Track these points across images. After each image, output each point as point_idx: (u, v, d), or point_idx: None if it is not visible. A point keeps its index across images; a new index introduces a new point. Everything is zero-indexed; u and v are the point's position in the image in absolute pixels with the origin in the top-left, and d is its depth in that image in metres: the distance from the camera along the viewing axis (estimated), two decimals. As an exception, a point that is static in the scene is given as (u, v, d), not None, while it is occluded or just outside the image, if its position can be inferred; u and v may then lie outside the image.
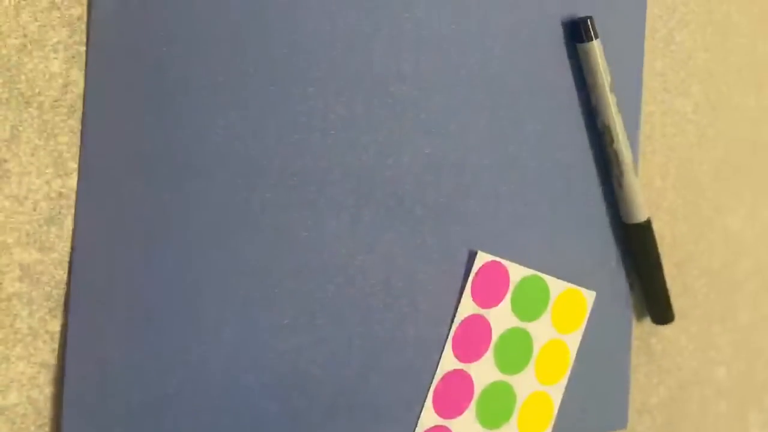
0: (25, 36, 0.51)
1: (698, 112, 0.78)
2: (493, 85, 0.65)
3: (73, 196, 0.54)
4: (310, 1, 0.58)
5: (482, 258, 0.66)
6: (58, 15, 0.52)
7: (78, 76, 0.53)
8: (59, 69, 0.53)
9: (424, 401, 0.65)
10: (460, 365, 0.66)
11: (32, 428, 0.54)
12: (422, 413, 0.65)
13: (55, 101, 0.53)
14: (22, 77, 0.52)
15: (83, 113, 0.53)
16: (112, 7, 0.53)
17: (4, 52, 0.51)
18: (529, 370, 0.70)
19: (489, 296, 0.67)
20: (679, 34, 0.76)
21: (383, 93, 0.61)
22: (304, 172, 0.59)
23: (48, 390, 0.54)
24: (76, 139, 0.53)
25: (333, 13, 0.59)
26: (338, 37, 0.59)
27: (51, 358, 0.54)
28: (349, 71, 0.60)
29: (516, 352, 0.69)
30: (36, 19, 0.52)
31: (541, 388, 0.71)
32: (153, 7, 0.54)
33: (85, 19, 0.53)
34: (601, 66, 0.67)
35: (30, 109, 0.52)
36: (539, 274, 0.69)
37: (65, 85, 0.53)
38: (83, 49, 0.53)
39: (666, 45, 0.75)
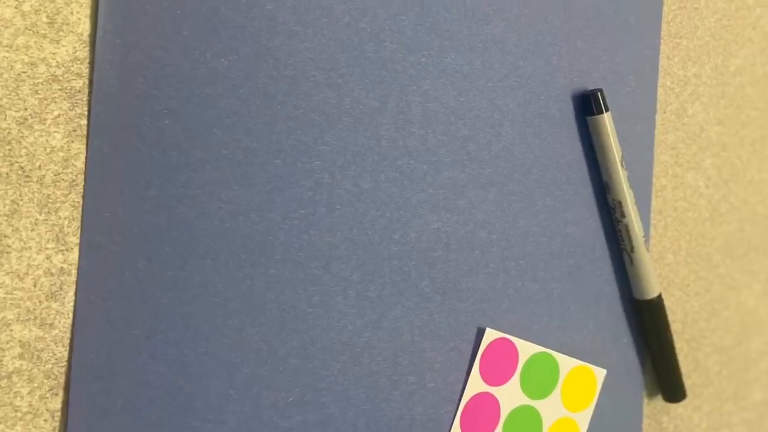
0: (25, 109, 0.51)
1: (711, 187, 0.77)
2: (502, 159, 0.64)
3: (74, 272, 0.53)
4: (316, 73, 0.58)
5: (491, 335, 0.65)
6: (59, 88, 0.52)
7: (79, 149, 0.52)
8: (60, 143, 0.52)
9: (431, 482, 0.64)
10: (468, 445, 0.65)
11: None
12: (429, 494, 0.64)
13: (56, 175, 0.52)
14: (23, 151, 0.51)
15: (84, 187, 0.53)
16: (114, 79, 0.52)
17: (3, 125, 0.50)
18: (539, 450, 0.69)
19: (498, 374, 0.66)
20: (692, 107, 0.75)
21: (390, 167, 0.60)
22: (309, 248, 0.58)
23: (45, 471, 0.53)
24: (78, 214, 0.53)
25: (339, 85, 0.58)
26: (345, 110, 0.59)
27: (50, 438, 0.53)
28: (356, 145, 0.59)
29: (525, 431, 0.68)
30: (36, 92, 0.51)
31: (552, 468, 0.69)
32: (155, 80, 0.53)
33: (86, 91, 0.52)
34: (611, 139, 0.66)
35: (30, 184, 0.51)
36: (549, 351, 0.68)
37: (66, 159, 0.52)
38: (84, 122, 0.52)
39: (678, 118, 0.74)
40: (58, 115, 0.52)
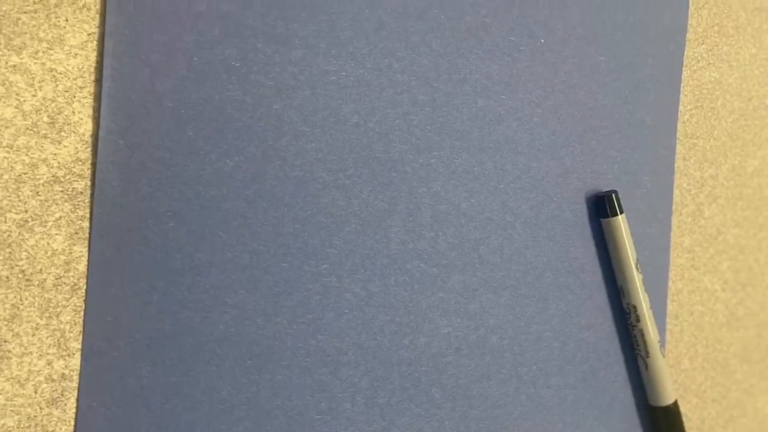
0: (26, 211, 0.50)
1: (728, 290, 0.75)
2: (515, 263, 0.63)
3: (76, 378, 0.52)
4: (324, 174, 0.57)
5: (503, 443, 0.63)
6: (60, 189, 0.51)
7: (81, 252, 0.51)
8: (61, 246, 0.51)
9: None
10: None
11: None
12: None
13: (57, 279, 0.51)
14: (23, 254, 0.50)
15: (86, 291, 0.52)
16: (117, 181, 0.51)
17: (4, 227, 0.49)
18: None
19: (510, 483, 0.64)
20: (708, 209, 0.74)
21: (400, 271, 0.59)
22: (317, 353, 0.57)
23: None
24: (79, 318, 0.52)
25: (347, 187, 0.57)
26: (353, 212, 0.58)
27: None
28: (365, 248, 0.58)
29: None
30: (37, 194, 0.50)
31: None
32: (159, 182, 0.53)
33: (88, 193, 0.51)
34: (626, 242, 0.65)
35: (31, 287, 0.50)
36: (563, 459, 0.66)
37: (68, 263, 0.51)
38: (87, 224, 0.52)
39: (694, 220, 0.73)
40: (60, 218, 0.51)
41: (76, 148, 0.51)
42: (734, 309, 0.76)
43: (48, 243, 0.51)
